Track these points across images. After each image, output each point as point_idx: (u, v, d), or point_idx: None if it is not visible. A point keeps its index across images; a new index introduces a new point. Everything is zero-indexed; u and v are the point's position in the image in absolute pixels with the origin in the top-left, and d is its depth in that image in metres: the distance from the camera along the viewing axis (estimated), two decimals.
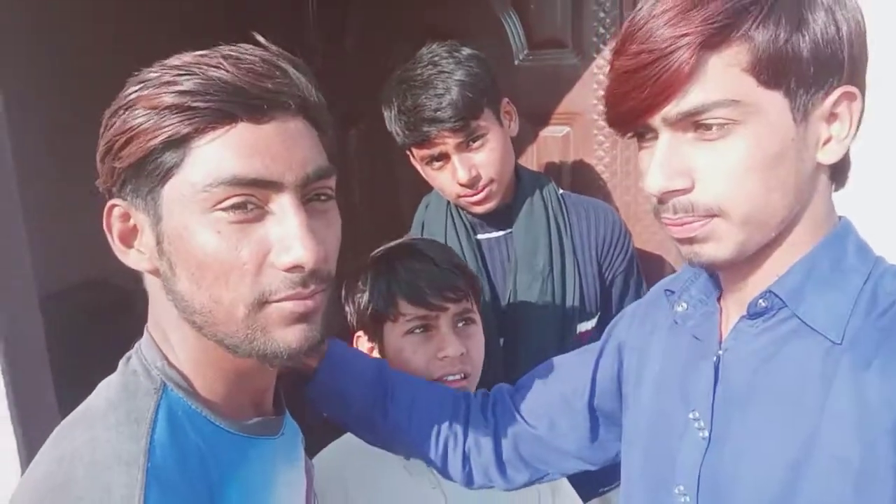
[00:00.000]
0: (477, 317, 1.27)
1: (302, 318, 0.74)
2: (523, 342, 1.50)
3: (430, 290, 1.19)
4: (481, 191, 1.48)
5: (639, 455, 0.95)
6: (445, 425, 1.11)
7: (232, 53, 0.73)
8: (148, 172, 0.71)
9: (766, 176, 0.73)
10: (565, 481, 1.36)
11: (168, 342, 0.79)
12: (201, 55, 0.73)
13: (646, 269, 1.75)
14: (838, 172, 0.80)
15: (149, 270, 0.76)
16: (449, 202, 1.58)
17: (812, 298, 0.77)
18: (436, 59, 1.45)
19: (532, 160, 2.03)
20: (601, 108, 1.88)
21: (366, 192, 2.34)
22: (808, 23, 0.71)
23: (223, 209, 0.70)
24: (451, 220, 1.58)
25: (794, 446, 0.74)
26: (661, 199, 0.76)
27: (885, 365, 0.70)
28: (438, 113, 1.41)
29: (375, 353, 1.26)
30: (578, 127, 1.98)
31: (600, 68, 1.92)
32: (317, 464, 1.06)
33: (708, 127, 0.73)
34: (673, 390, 0.90)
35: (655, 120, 0.75)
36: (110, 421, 0.72)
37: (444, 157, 1.46)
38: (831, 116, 0.75)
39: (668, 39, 0.72)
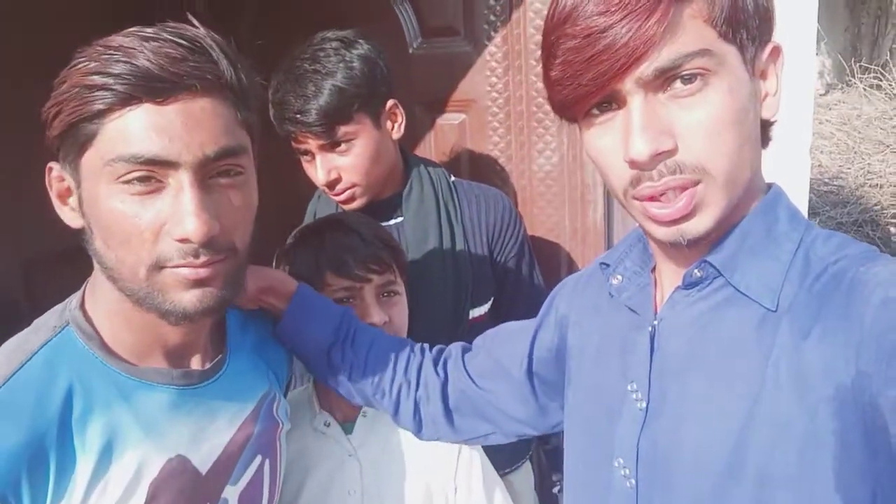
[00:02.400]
0: (401, 288, 1.31)
1: (196, 283, 0.82)
2: (415, 328, 1.48)
3: (355, 262, 1.23)
4: (342, 192, 1.46)
5: (579, 430, 0.96)
6: (400, 372, 1.17)
7: (160, 36, 0.79)
8: (70, 143, 0.81)
9: (739, 130, 0.73)
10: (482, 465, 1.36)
11: (94, 289, 0.90)
12: (133, 37, 0.79)
13: (540, 253, 1.79)
14: (763, 132, 0.81)
15: (78, 227, 0.86)
16: None
17: (745, 266, 0.77)
18: (320, 53, 1.40)
19: (430, 147, 2.04)
20: (494, 94, 1.95)
21: (269, 184, 2.30)
22: None
23: (125, 182, 0.79)
24: (341, 209, 1.57)
25: (736, 414, 0.74)
26: (646, 167, 0.73)
27: (823, 333, 0.70)
28: (300, 116, 1.38)
29: None
30: (474, 114, 1.99)
31: (492, 55, 1.94)
32: None
33: (685, 79, 0.71)
34: (612, 363, 0.90)
35: (627, 83, 0.71)
36: (9, 346, 0.86)
37: (310, 152, 1.45)
38: (762, 73, 0.77)
39: None
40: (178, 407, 0.91)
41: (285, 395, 1.17)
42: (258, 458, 1.02)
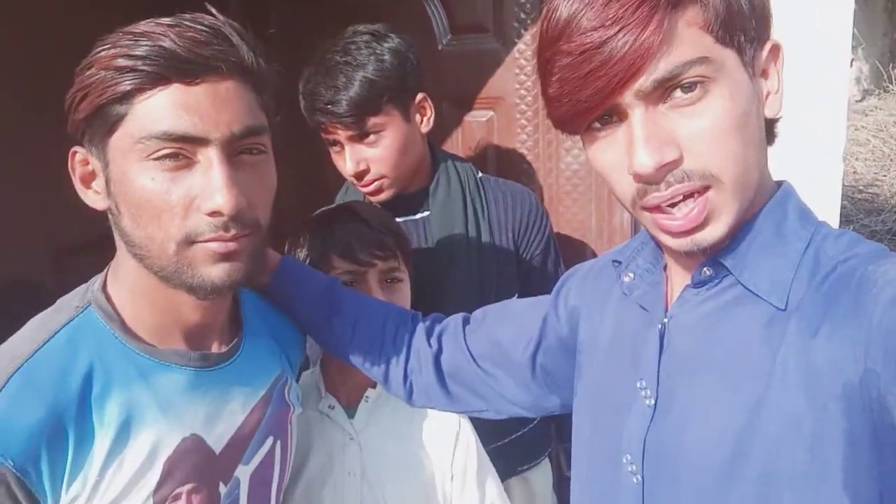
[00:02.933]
0: (404, 275, 1.33)
1: (225, 257, 0.85)
2: None
3: (360, 247, 1.27)
4: (370, 184, 1.47)
5: (589, 424, 0.96)
6: (388, 345, 1.17)
7: (182, 23, 0.82)
8: (99, 124, 0.83)
9: (742, 135, 0.72)
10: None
11: (117, 271, 0.92)
12: (157, 23, 0.82)
13: (566, 252, 1.79)
14: (768, 129, 0.80)
15: (103, 209, 0.88)
16: None
17: (755, 264, 0.76)
18: (351, 46, 1.42)
19: (457, 144, 2.05)
20: (523, 92, 1.95)
21: (293, 179, 2.32)
22: None
23: (156, 158, 0.81)
24: (368, 201, 1.57)
25: (741, 412, 0.74)
26: (652, 179, 0.72)
27: (831, 331, 0.70)
28: (331, 106, 1.39)
29: None
30: (501, 111, 1.99)
31: (521, 53, 1.94)
32: None
33: (685, 88, 0.70)
34: (623, 360, 0.90)
35: (626, 97, 0.71)
36: (33, 324, 0.89)
37: (339, 143, 1.46)
38: (763, 72, 0.77)
39: (631, 5, 0.68)
40: (194, 388, 0.93)
41: (299, 379, 1.20)
42: (270, 440, 1.04)
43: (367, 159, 1.45)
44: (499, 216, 1.60)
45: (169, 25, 0.82)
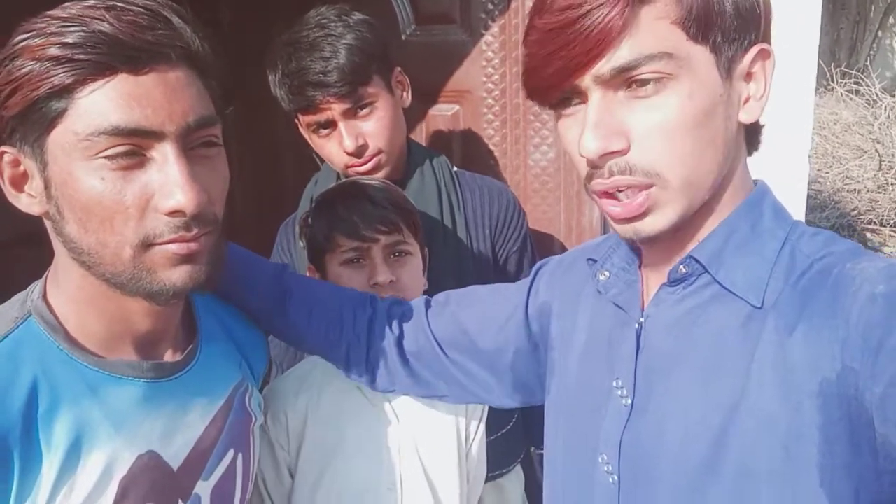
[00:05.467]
0: (412, 248, 1.32)
1: (186, 259, 0.79)
2: None
3: (363, 223, 1.26)
4: (369, 160, 1.44)
5: (563, 424, 0.95)
6: (348, 330, 1.14)
7: (117, 5, 0.75)
8: (33, 121, 0.75)
9: (699, 134, 0.72)
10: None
11: (57, 278, 0.85)
12: (88, 6, 0.75)
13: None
14: (752, 135, 0.81)
15: (39, 213, 0.81)
16: (339, 177, 1.53)
17: (731, 263, 0.77)
18: (324, 21, 1.39)
19: (421, 138, 1.98)
20: (490, 86, 1.89)
21: (246, 172, 2.23)
22: None
23: (105, 157, 0.74)
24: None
25: (718, 411, 0.74)
26: (596, 163, 0.73)
27: (808, 330, 0.70)
28: (323, 77, 1.36)
29: None
30: (468, 105, 1.94)
31: (489, 45, 1.88)
32: (278, 386, 1.23)
33: (641, 83, 0.71)
34: (599, 359, 0.89)
35: (585, 80, 0.72)
36: None
37: (330, 124, 1.42)
38: (748, 75, 0.76)
39: None
40: (149, 401, 0.87)
41: (261, 389, 1.14)
42: (231, 453, 0.99)
43: (363, 134, 1.42)
44: (475, 211, 1.57)
45: (104, 8, 0.74)
